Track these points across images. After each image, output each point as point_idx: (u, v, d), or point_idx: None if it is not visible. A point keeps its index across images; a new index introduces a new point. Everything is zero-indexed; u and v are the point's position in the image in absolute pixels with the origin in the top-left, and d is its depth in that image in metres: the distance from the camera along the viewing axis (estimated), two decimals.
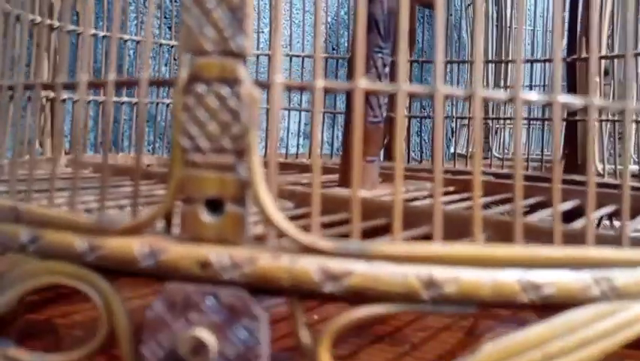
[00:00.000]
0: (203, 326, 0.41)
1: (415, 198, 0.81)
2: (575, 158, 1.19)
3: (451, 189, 0.96)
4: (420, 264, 0.39)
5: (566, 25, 1.16)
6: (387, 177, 0.99)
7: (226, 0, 0.39)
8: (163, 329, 0.42)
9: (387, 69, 0.86)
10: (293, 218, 0.67)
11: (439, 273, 0.39)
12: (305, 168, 1.09)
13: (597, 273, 0.40)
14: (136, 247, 0.42)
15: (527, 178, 1.01)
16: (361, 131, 0.41)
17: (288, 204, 0.71)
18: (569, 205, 0.85)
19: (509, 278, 0.39)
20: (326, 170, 1.01)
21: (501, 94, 0.42)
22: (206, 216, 0.41)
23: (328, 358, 0.40)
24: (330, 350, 0.40)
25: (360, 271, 0.39)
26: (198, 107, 0.40)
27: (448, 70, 1.34)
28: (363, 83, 0.40)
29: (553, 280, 0.39)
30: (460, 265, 0.39)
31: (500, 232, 0.60)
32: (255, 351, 0.40)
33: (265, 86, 0.41)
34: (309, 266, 0.39)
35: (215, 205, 0.41)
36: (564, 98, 0.42)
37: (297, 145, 1.30)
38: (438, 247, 0.39)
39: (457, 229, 0.62)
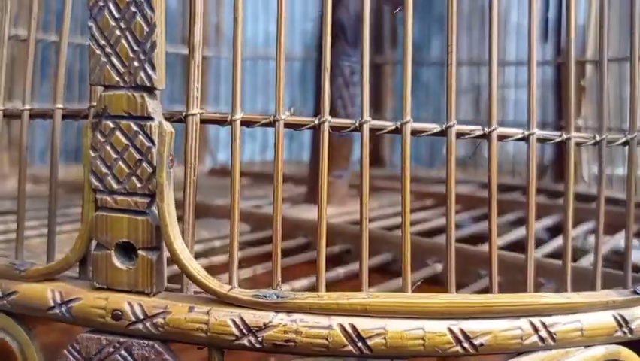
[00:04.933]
0: None
1: (381, 217, 0.78)
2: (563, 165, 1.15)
3: (428, 203, 0.93)
4: (344, 315, 0.36)
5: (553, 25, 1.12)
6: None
7: (131, 27, 0.36)
8: None
9: (354, 77, 0.83)
10: (249, 244, 0.64)
11: (365, 324, 0.36)
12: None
13: (535, 320, 0.37)
14: (48, 293, 0.39)
15: (513, 188, 0.98)
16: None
17: (244, 227, 0.68)
18: (549, 221, 0.82)
19: (440, 328, 0.36)
20: (298, 181, 0.99)
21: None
22: (118, 263, 0.38)
23: None
24: None
25: (280, 322, 0.36)
26: (106, 144, 0.37)
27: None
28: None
29: (488, 329, 0.36)
30: (387, 316, 0.36)
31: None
32: None
33: (181, 120, 0.38)
34: (226, 318, 0.36)
35: (129, 250, 0.38)
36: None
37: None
38: (363, 298, 0.36)
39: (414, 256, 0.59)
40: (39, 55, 0.95)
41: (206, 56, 1.21)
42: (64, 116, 0.41)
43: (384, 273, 0.58)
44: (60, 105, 0.41)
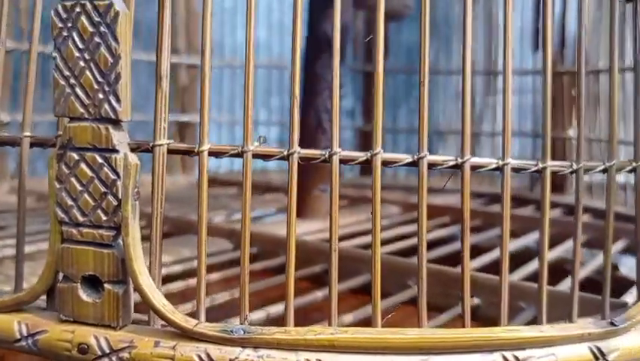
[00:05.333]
0: None
1: (368, 231, 0.77)
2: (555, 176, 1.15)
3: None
4: (312, 350, 0.35)
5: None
6: (354, 201, 0.95)
7: (95, 59, 0.36)
8: None
9: (342, 90, 0.82)
10: (230, 263, 0.64)
11: (333, 360, 0.35)
12: (267, 188, 1.05)
13: (508, 354, 0.36)
14: (15, 325, 0.39)
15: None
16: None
17: (226, 245, 0.68)
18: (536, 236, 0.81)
19: None
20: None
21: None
22: (84, 296, 0.37)
23: None
24: None
25: (247, 358, 0.35)
26: (71, 176, 0.37)
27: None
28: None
29: None
30: (356, 352, 0.35)
31: (440, 282, 0.56)
32: None
33: (148, 150, 0.38)
34: (192, 354, 0.36)
35: (95, 283, 0.38)
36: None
37: None
38: (330, 333, 0.36)
39: (394, 277, 0.59)
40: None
41: (196, 64, 1.21)
42: (32, 145, 0.41)
43: (365, 294, 0.57)
44: (28, 133, 0.41)
